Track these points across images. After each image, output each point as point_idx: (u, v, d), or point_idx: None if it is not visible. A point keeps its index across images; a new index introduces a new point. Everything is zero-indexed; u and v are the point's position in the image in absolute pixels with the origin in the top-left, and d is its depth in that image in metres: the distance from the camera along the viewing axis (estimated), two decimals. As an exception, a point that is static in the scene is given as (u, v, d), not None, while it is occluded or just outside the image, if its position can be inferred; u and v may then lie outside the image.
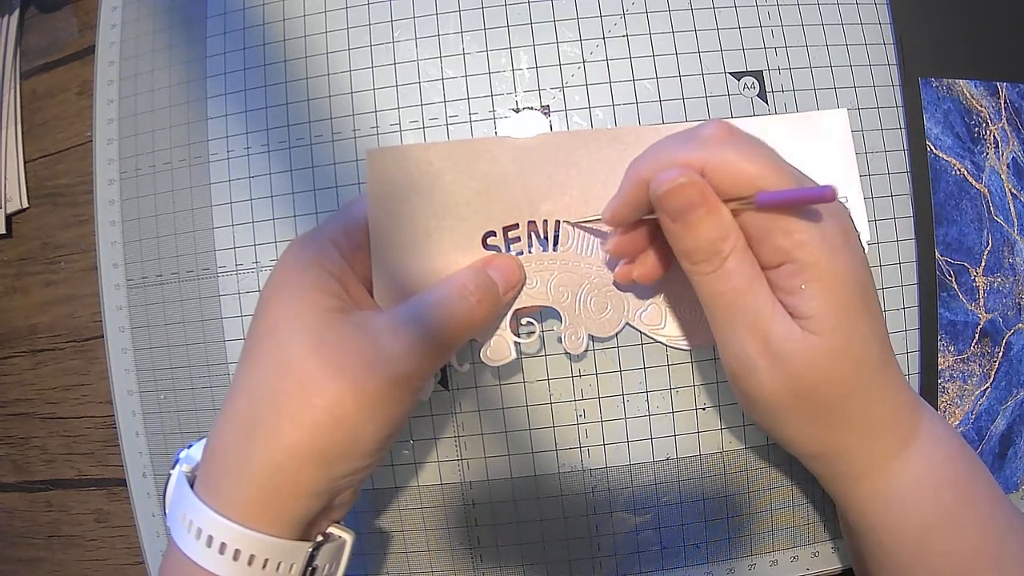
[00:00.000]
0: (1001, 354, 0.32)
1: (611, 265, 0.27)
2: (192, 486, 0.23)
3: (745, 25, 0.31)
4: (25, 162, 0.37)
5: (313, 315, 0.22)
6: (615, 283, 0.27)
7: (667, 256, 0.25)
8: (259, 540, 0.21)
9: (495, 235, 0.26)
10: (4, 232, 0.37)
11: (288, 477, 0.22)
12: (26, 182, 0.37)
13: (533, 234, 0.27)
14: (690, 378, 0.31)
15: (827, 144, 0.27)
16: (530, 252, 0.27)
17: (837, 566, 0.32)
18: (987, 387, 0.32)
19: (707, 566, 0.31)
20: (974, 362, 0.32)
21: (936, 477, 0.24)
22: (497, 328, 0.27)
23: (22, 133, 0.38)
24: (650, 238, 0.25)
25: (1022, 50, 0.33)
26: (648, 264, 0.26)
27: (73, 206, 0.37)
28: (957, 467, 0.24)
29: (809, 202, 0.21)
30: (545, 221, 0.27)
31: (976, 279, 0.32)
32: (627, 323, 0.28)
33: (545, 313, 0.29)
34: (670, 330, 0.28)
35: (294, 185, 0.32)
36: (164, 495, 0.24)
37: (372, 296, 0.26)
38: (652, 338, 0.28)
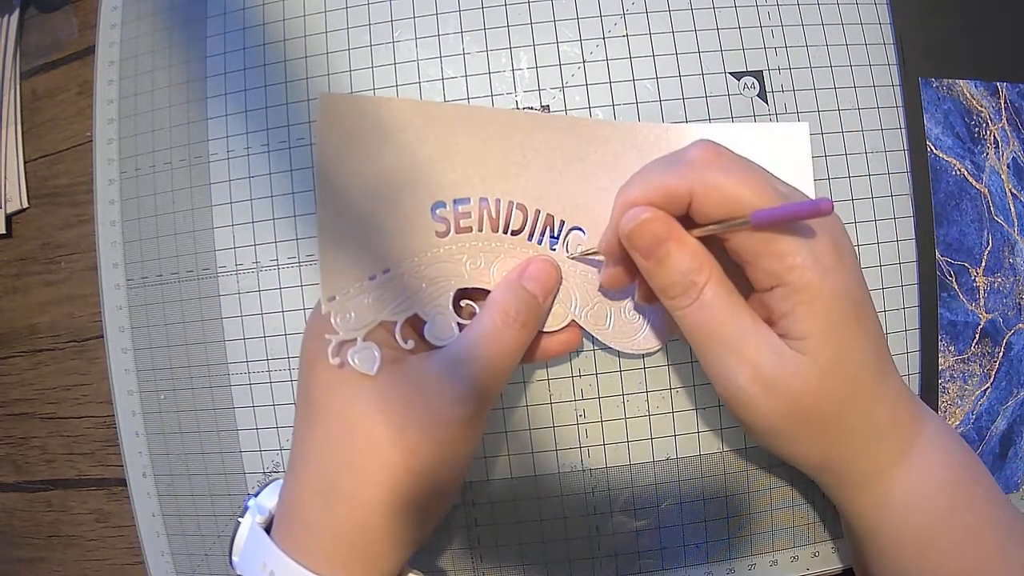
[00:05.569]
0: (1001, 354, 0.32)
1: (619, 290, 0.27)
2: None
3: (745, 25, 0.31)
4: (25, 162, 0.37)
5: None
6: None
7: None
8: None
9: (445, 207, 0.26)
10: (4, 232, 0.37)
11: (376, 535, 0.22)
12: (26, 182, 0.37)
13: (485, 212, 0.26)
14: (690, 378, 0.31)
15: (785, 156, 0.27)
16: (480, 231, 0.26)
17: (837, 566, 0.32)
18: (987, 387, 0.32)
19: (707, 566, 0.31)
20: (974, 362, 0.32)
21: (936, 482, 0.24)
22: (440, 306, 0.26)
23: (22, 133, 0.37)
24: None
25: (1022, 50, 0.33)
26: (645, 289, 0.25)
27: (73, 206, 0.36)
28: (956, 473, 0.24)
29: (804, 217, 0.21)
30: (498, 200, 0.26)
31: (976, 279, 0.32)
32: (572, 319, 0.27)
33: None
34: (615, 331, 0.27)
35: (294, 185, 0.32)
36: (232, 541, 0.25)
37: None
38: (596, 338, 0.28)
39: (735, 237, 0.22)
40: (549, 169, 0.26)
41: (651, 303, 0.26)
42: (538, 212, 0.26)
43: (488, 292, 0.26)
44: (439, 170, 0.25)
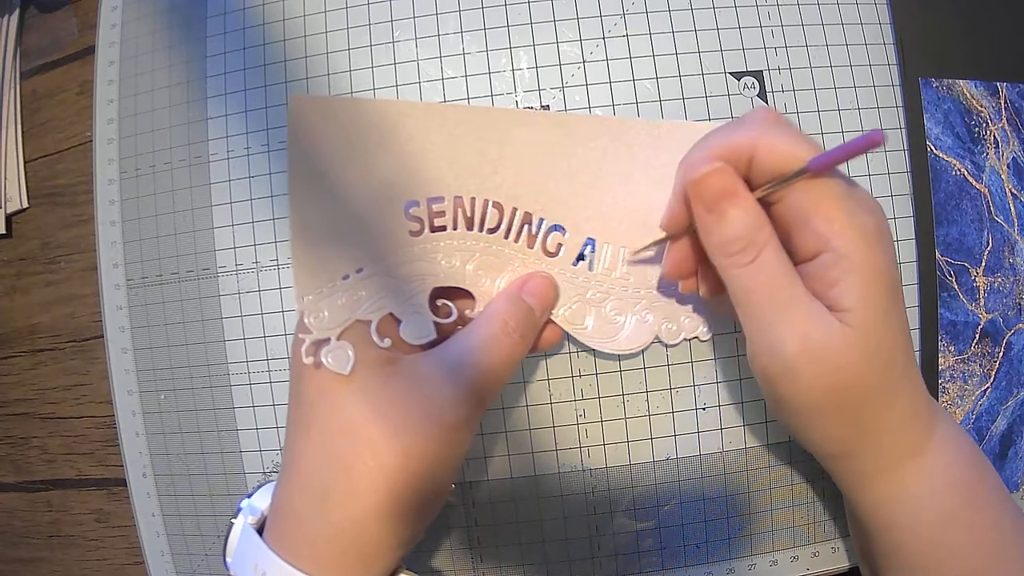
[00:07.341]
0: (1001, 354, 0.32)
1: (664, 289, 0.27)
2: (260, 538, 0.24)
3: (745, 25, 0.31)
4: (25, 162, 0.37)
5: (362, 371, 0.23)
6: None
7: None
8: None
9: (418, 206, 0.25)
10: (4, 232, 0.37)
11: (371, 537, 0.22)
12: (26, 182, 0.37)
13: (459, 211, 0.26)
14: (690, 378, 0.31)
15: None
16: (454, 230, 0.26)
17: (837, 566, 0.32)
18: (987, 387, 0.32)
19: (707, 566, 0.31)
20: (974, 362, 0.32)
21: (948, 479, 0.24)
22: (416, 305, 0.25)
23: (22, 133, 0.37)
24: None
25: (1022, 50, 0.33)
26: (711, 280, 0.25)
27: (73, 206, 0.37)
28: (967, 470, 0.24)
29: (860, 151, 0.21)
30: (473, 199, 0.26)
31: (976, 279, 0.32)
32: (549, 318, 0.27)
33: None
34: (594, 331, 0.27)
35: (294, 185, 0.32)
36: (225, 542, 0.25)
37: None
38: (574, 337, 0.27)
39: (788, 198, 0.22)
40: (528, 166, 0.26)
41: (714, 296, 0.25)
42: (515, 210, 0.26)
43: (464, 290, 0.26)
44: (412, 169, 0.25)
